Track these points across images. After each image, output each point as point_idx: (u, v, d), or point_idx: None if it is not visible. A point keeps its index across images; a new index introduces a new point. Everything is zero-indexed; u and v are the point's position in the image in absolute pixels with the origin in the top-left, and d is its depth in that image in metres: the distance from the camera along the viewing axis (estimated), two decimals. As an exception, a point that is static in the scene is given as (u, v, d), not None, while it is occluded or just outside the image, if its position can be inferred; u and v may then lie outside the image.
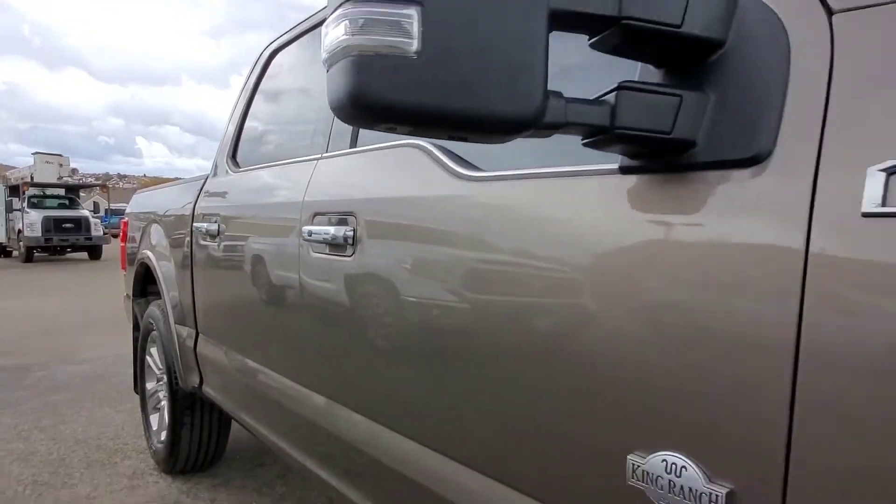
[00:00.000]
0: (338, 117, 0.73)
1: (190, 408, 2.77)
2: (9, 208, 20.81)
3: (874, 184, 0.59)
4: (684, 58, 0.79)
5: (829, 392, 0.62)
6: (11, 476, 2.98)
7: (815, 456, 0.64)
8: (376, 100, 0.67)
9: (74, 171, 23.42)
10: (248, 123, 2.49)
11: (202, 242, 2.38)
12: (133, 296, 3.45)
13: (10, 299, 9.84)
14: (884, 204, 0.58)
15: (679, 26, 0.74)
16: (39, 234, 18.55)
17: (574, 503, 0.92)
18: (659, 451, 0.78)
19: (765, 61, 0.73)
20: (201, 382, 2.50)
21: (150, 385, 3.23)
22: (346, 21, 0.67)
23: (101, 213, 23.82)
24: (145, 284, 3.33)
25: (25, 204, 19.37)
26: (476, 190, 1.11)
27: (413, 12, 0.65)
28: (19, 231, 19.18)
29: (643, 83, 0.75)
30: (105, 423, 3.78)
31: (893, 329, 0.58)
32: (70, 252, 20.29)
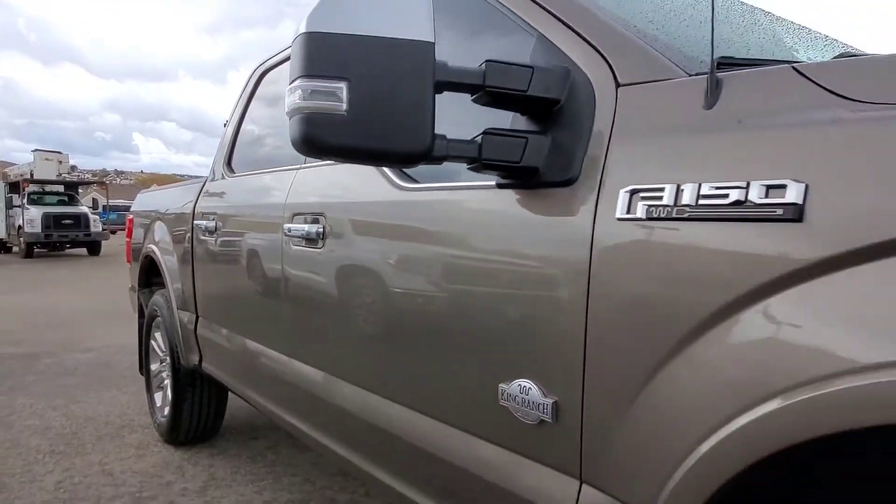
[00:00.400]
0: (297, 151, 1.09)
1: (191, 384, 3.13)
2: (9, 205, 21.10)
3: (622, 200, 0.96)
4: (536, 109, 1.15)
5: (605, 336, 0.99)
6: (31, 447, 3.34)
7: (598, 380, 1.00)
8: (319, 143, 1.03)
9: (73, 168, 23.68)
10: (241, 134, 2.85)
11: (202, 237, 2.74)
12: (139, 287, 3.80)
13: (13, 293, 10.18)
14: (627, 213, 0.95)
15: (525, 91, 1.10)
16: (39, 231, 18.85)
17: (471, 422, 1.29)
18: (516, 379, 1.15)
19: (581, 114, 1.09)
20: (201, 360, 2.86)
21: (154, 366, 3.59)
22: (299, 90, 1.02)
23: (100, 210, 24.09)
24: (149, 276, 3.68)
25: (25, 200, 19.65)
26: (409, 197, 1.47)
27: (343, 85, 1.01)
28: (19, 227, 19.46)
29: (500, 129, 1.11)
30: (112, 403, 4.13)
31: (639, 283, 0.94)
32: (69, 248, 20.57)
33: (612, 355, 0.98)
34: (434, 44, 1.04)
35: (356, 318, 1.65)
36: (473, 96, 1.13)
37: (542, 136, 1.13)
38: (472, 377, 1.26)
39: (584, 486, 1.04)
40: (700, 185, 0.86)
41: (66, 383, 4.62)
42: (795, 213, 0.76)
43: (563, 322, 1.05)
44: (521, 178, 1.15)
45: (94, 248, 20.34)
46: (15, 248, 20.73)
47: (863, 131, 0.76)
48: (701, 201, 0.85)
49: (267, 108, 2.73)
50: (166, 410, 3.35)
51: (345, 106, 1.01)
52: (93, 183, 29.21)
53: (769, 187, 0.79)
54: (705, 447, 0.82)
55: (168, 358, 3.30)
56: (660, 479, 0.88)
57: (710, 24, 0.93)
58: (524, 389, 1.13)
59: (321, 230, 1.78)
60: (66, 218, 19.52)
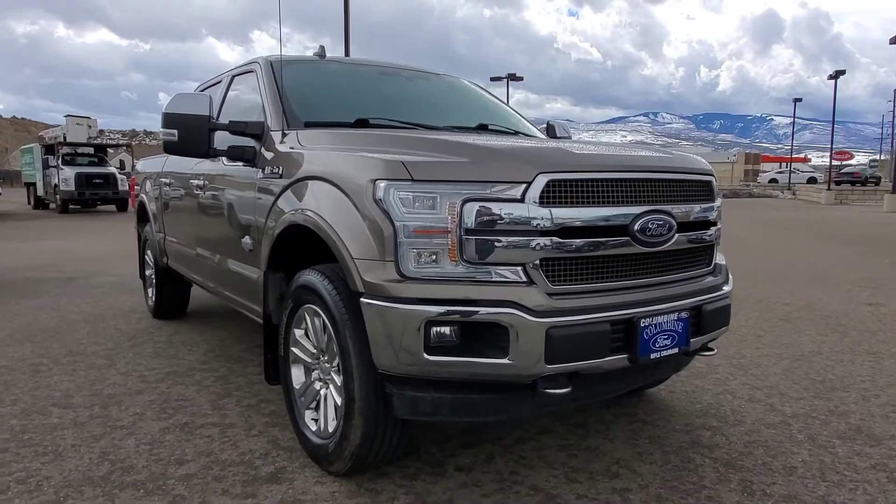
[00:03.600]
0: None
1: (165, 277, 5.18)
2: (45, 165, 23.43)
3: (262, 170, 2.93)
4: (253, 137, 3.12)
5: (261, 213, 2.97)
6: (71, 318, 5.44)
7: (262, 233, 2.99)
8: (170, 150, 3.04)
9: (101, 132, 25.92)
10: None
11: (164, 189, 4.77)
12: (137, 223, 5.87)
13: (55, 239, 12.46)
14: (261, 175, 2.92)
15: (245, 131, 3.08)
16: (73, 189, 21.14)
17: (235, 255, 3.29)
18: (245, 236, 3.14)
19: (263, 140, 3.06)
20: (167, 260, 4.91)
21: (147, 272, 5.67)
22: (162, 133, 3.01)
23: (127, 170, 26.28)
24: (143, 215, 5.73)
25: (60, 161, 21.92)
26: (225, 168, 3.45)
27: (175, 131, 3.00)
28: (55, 185, 21.78)
29: (237, 144, 3.08)
30: (125, 301, 6.23)
31: (267, 191, 2.91)
32: (100, 204, 22.88)
33: (264, 220, 2.95)
34: (209, 115, 3.01)
35: (214, 222, 3.66)
36: (230, 132, 3.10)
37: (252, 148, 3.09)
38: (235, 237, 3.26)
39: (259, 270, 3.03)
40: (270, 167, 2.83)
41: (95, 293, 6.75)
42: (280, 175, 2.74)
43: (251, 211, 3.04)
44: (246, 162, 3.13)
45: (121, 204, 22.61)
46: (52, 205, 23.08)
47: (305, 153, 2.72)
48: (268, 172, 2.83)
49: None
50: (153, 297, 5.43)
51: (176, 138, 2.99)
52: (121, 146, 31.48)
53: (274, 167, 2.76)
54: (278, 228, 2.76)
55: (154, 264, 5.36)
56: (264, 258, 2.86)
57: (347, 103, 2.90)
58: (246, 240, 3.12)
59: (203, 184, 3.77)
60: (96, 178, 21.77)
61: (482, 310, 2.05)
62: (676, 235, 2.38)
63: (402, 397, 2.20)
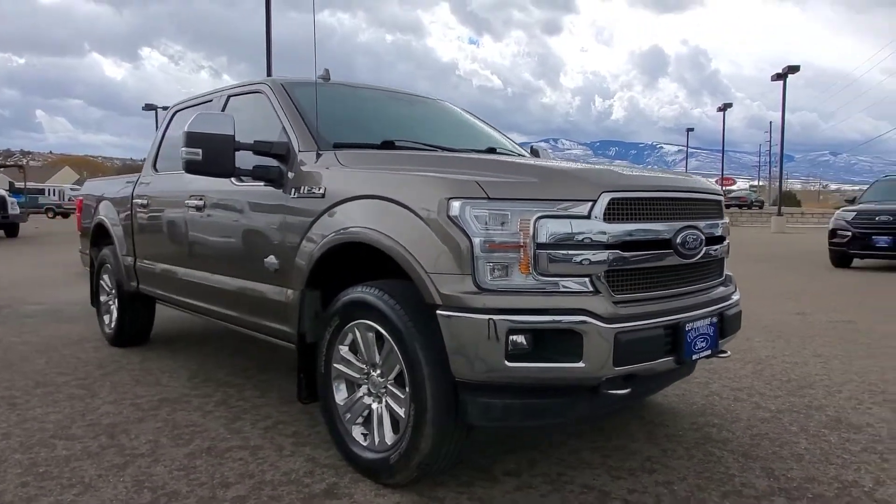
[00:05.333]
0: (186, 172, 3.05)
1: (130, 304, 4.95)
2: (-79, 188, 21.33)
3: (294, 191, 2.96)
4: (276, 157, 3.13)
5: (287, 229, 2.98)
6: (19, 350, 5.07)
7: (294, 249, 3.00)
8: (192, 170, 2.99)
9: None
10: (162, 148, 4.70)
11: (138, 211, 4.59)
12: (90, 247, 5.57)
13: (-49, 267, 11.39)
14: (293, 195, 2.95)
15: (270, 151, 3.09)
16: (-44, 214, 19.35)
17: (254, 276, 3.26)
18: (269, 255, 3.13)
19: (289, 160, 3.08)
20: (138, 284, 4.71)
21: (103, 298, 5.38)
22: (184, 150, 2.97)
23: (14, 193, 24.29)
24: (99, 238, 5.45)
25: (-60, 184, 20.10)
26: (238, 188, 3.42)
27: (199, 150, 2.96)
28: (-66, 210, 19.84)
29: (262, 164, 3.09)
30: (69, 330, 5.86)
31: (297, 212, 2.93)
32: (-18, 230, 21.02)
33: (300, 239, 2.96)
34: (233, 135, 3.00)
35: (219, 243, 3.60)
36: (252, 152, 3.09)
37: (278, 168, 3.10)
38: (258, 257, 3.23)
39: (288, 289, 3.03)
40: (306, 187, 2.87)
41: (29, 322, 6.29)
42: (322, 195, 2.78)
43: (279, 231, 3.04)
44: (270, 182, 3.13)
45: (12, 229, 20.88)
46: (-70, 232, 20.97)
47: (351, 173, 2.78)
48: (305, 192, 2.86)
49: (179, 133, 4.58)
50: (113, 324, 5.16)
51: (200, 157, 2.96)
52: (11, 167, 29.21)
53: (312, 187, 2.81)
54: (325, 247, 2.78)
55: (114, 290, 5.11)
56: (302, 277, 2.88)
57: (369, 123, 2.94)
58: (270, 259, 3.11)
59: (203, 203, 3.71)
60: (-18, 201, 20.01)
61: (560, 318, 2.20)
62: (704, 248, 2.64)
63: (476, 404, 2.30)
